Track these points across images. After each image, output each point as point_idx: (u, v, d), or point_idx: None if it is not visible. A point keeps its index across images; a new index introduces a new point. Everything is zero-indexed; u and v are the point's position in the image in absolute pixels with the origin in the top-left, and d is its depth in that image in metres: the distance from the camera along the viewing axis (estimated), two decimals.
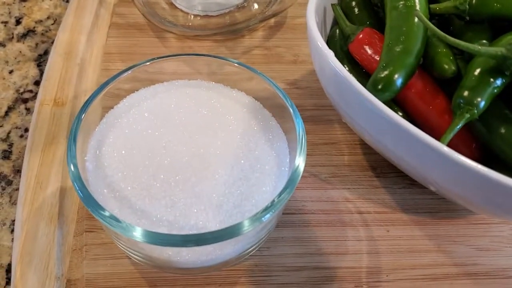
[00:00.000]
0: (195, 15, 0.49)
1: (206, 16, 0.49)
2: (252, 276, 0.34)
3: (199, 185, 0.31)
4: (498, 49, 0.28)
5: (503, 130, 0.30)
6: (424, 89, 0.33)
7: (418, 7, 0.33)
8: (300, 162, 0.31)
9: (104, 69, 0.45)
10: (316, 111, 0.44)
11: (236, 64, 0.36)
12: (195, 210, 0.30)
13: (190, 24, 0.49)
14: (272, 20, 0.50)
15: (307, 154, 0.41)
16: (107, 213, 0.28)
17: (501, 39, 0.30)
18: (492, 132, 0.30)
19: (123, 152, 0.32)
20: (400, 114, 0.34)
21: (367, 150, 0.41)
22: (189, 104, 0.35)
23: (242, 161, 0.32)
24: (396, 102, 0.34)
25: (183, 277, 0.34)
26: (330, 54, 0.32)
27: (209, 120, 0.34)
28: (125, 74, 0.35)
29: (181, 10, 0.50)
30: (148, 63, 0.36)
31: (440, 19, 0.36)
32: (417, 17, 0.31)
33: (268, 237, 0.35)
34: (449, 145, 0.33)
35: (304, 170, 0.39)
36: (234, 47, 0.48)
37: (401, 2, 0.33)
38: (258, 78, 0.36)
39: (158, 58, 0.36)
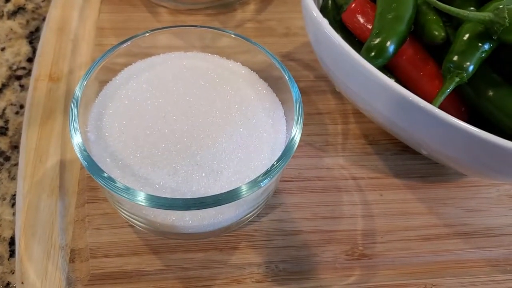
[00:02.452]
0: None
1: None
2: (251, 241, 0.35)
3: (199, 153, 0.32)
4: (486, 14, 0.29)
5: (490, 93, 0.31)
6: (415, 55, 0.34)
7: None
8: (296, 131, 0.32)
9: (98, 44, 0.45)
10: (309, 83, 0.45)
11: (232, 35, 0.37)
12: (197, 177, 0.31)
13: None
14: None
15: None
16: (114, 180, 0.29)
17: (489, 5, 0.31)
18: (480, 95, 0.32)
19: (124, 122, 0.33)
20: (393, 80, 0.35)
21: (360, 119, 0.42)
22: (187, 75, 0.36)
23: (241, 129, 0.33)
24: (388, 69, 0.35)
25: (185, 242, 0.35)
26: (324, 22, 0.33)
27: (207, 90, 0.35)
28: (124, 45, 0.35)
29: None
30: (146, 34, 0.36)
31: None
32: None
33: (267, 203, 0.37)
34: (440, 108, 0.34)
35: (300, 139, 0.41)
36: (226, 21, 0.49)
37: None
38: (255, 49, 0.36)
39: (153, 30, 0.37)
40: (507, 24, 0.29)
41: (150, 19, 0.48)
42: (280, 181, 0.38)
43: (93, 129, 0.33)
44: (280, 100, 0.36)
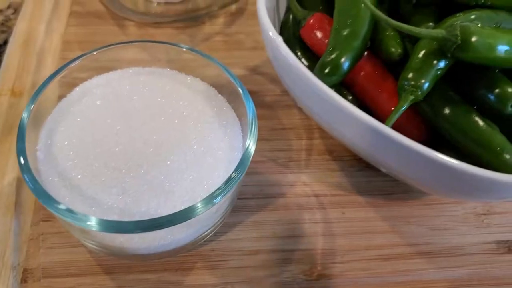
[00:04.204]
0: (156, 2, 0.49)
1: (167, 3, 0.49)
2: (208, 260, 0.35)
3: (151, 172, 0.31)
4: (439, 31, 0.29)
5: (447, 111, 0.31)
6: (373, 72, 0.34)
7: None
8: (250, 144, 0.32)
9: (63, 58, 0.45)
10: (276, 97, 0.44)
11: (191, 52, 0.36)
12: (147, 197, 0.30)
13: (151, 11, 0.49)
14: (233, 7, 0.50)
15: (266, 140, 0.42)
16: (56, 203, 0.28)
17: (445, 21, 0.31)
18: (437, 113, 0.31)
19: (74, 140, 0.32)
20: (350, 97, 0.34)
21: (325, 134, 0.42)
22: (143, 92, 0.35)
23: (195, 147, 0.33)
24: (346, 86, 0.35)
25: (140, 263, 0.34)
26: (278, 39, 0.32)
27: (163, 107, 0.34)
28: (77, 62, 0.35)
29: None
30: (101, 50, 0.36)
31: (390, 2, 0.36)
32: (362, 2, 0.31)
33: (224, 222, 0.36)
34: (399, 126, 0.33)
35: (263, 155, 0.40)
36: (194, 34, 0.48)
37: None
38: (213, 65, 0.36)
39: (107, 46, 0.36)
40: (459, 42, 0.28)
41: (117, 32, 0.47)
42: (240, 198, 0.37)
43: (43, 148, 0.32)
44: (239, 115, 0.35)
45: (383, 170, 0.34)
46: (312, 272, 0.35)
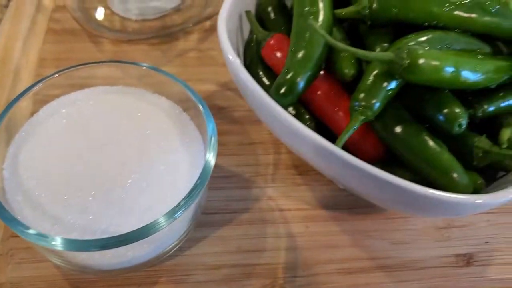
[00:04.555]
0: (132, 19, 0.50)
1: (142, 20, 0.50)
2: (172, 275, 0.35)
3: (112, 191, 0.32)
4: (386, 54, 0.30)
5: (398, 130, 0.31)
6: (329, 91, 0.34)
7: (322, 13, 0.34)
8: (210, 158, 0.33)
9: (38, 75, 0.46)
10: (245, 112, 0.45)
11: (154, 71, 0.37)
12: (108, 215, 0.31)
13: (126, 28, 0.50)
14: (207, 23, 0.51)
15: (235, 155, 0.43)
16: (17, 224, 0.29)
17: (395, 43, 0.32)
18: (389, 132, 0.32)
19: (39, 159, 0.33)
20: (307, 116, 0.35)
21: None
22: (108, 111, 0.36)
23: (157, 165, 0.34)
24: (304, 104, 0.36)
25: (104, 278, 0.35)
26: (237, 62, 0.33)
27: (127, 126, 0.35)
28: (49, 79, 0.36)
29: (118, 15, 0.50)
30: (73, 69, 0.37)
31: (350, 23, 0.37)
32: (310, 25, 0.32)
33: (189, 237, 0.37)
34: (356, 145, 0.34)
35: (230, 170, 0.41)
36: (168, 50, 0.49)
37: (306, 9, 0.34)
38: (177, 83, 0.37)
39: (79, 66, 0.37)
40: (406, 65, 0.29)
41: (92, 49, 0.48)
42: (205, 213, 0.38)
43: (9, 166, 0.33)
44: (202, 132, 0.36)
45: (340, 186, 0.35)
46: (273, 286, 0.35)
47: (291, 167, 0.42)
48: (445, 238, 0.39)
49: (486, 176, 0.34)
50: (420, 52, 0.29)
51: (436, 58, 0.29)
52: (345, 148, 0.34)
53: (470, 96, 0.33)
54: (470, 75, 0.30)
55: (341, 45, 0.30)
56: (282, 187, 0.40)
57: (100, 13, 0.51)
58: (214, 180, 0.40)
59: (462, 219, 0.40)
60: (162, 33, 0.49)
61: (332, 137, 0.32)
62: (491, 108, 0.33)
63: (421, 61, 0.29)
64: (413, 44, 0.31)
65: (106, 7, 0.51)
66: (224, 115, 0.45)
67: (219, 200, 0.39)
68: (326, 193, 0.40)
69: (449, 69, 0.29)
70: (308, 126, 0.35)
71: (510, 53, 0.35)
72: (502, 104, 0.33)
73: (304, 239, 0.38)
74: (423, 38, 0.32)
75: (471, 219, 0.40)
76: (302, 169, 0.41)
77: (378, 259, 0.37)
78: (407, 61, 0.29)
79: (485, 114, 0.33)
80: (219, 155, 0.42)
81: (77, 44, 0.49)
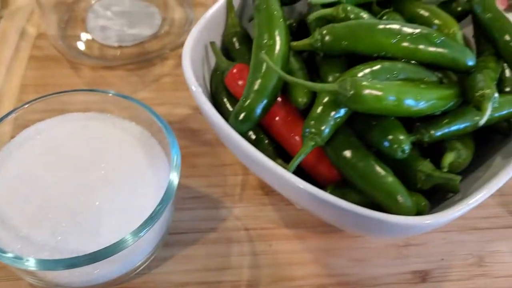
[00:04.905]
0: (110, 46, 0.53)
1: (121, 46, 0.53)
2: None
3: (81, 213, 0.34)
4: (332, 86, 0.32)
5: (347, 155, 0.33)
6: (286, 117, 0.37)
7: (278, 45, 0.36)
8: (173, 178, 0.35)
9: (20, 101, 0.48)
10: (216, 135, 0.47)
11: (122, 98, 0.39)
12: (76, 236, 0.33)
13: (105, 55, 0.52)
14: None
15: (205, 176, 0.45)
16: None
17: (342, 74, 0.34)
18: (339, 156, 0.34)
19: (13, 183, 0.36)
20: (266, 141, 0.37)
21: None
22: (80, 136, 0.39)
23: (124, 188, 0.36)
24: (265, 129, 0.38)
25: None
26: (198, 91, 0.36)
27: (97, 151, 0.38)
28: (29, 105, 0.39)
29: (97, 42, 0.53)
30: (51, 97, 0.39)
31: (309, 53, 0.40)
32: (262, 59, 0.34)
33: (157, 256, 0.39)
34: (312, 168, 0.36)
35: (199, 191, 0.43)
36: (145, 75, 0.51)
37: (264, 41, 0.36)
38: (144, 110, 0.39)
39: (56, 94, 0.40)
40: (349, 95, 0.31)
41: (72, 75, 0.51)
42: (173, 233, 0.40)
43: None
44: (167, 155, 0.38)
45: (298, 207, 0.37)
46: None
47: (258, 187, 0.44)
48: (403, 255, 0.41)
49: (438, 197, 0.37)
50: (363, 83, 0.31)
51: (377, 89, 0.31)
52: (303, 170, 0.37)
53: (417, 122, 0.35)
54: (412, 104, 0.32)
55: (289, 77, 0.32)
56: (249, 207, 0.42)
57: (80, 41, 0.53)
58: (183, 201, 0.43)
59: (420, 237, 0.42)
60: (140, 59, 0.52)
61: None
62: (438, 133, 0.35)
63: (363, 91, 0.31)
64: (357, 76, 0.33)
65: (87, 35, 0.53)
66: (196, 137, 0.47)
67: (187, 221, 0.41)
68: (290, 212, 0.42)
69: (391, 99, 0.31)
70: (267, 150, 0.37)
71: (458, 81, 0.37)
72: (448, 130, 0.35)
73: (267, 257, 0.40)
74: (371, 69, 0.34)
75: (428, 237, 0.42)
76: (268, 189, 0.43)
77: (337, 276, 0.39)
78: (351, 92, 0.31)
79: (432, 139, 0.35)
80: (189, 176, 0.44)
81: (57, 71, 0.51)
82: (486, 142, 0.40)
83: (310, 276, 0.39)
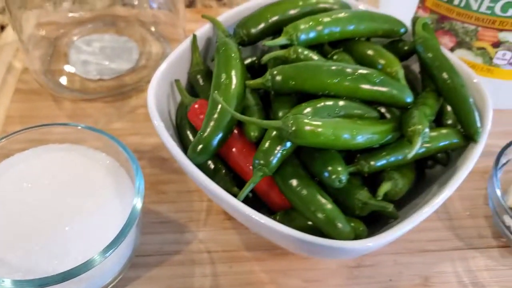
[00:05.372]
0: (91, 80, 0.57)
1: (100, 80, 0.57)
2: None
3: (52, 237, 0.37)
4: (276, 122, 0.35)
5: (293, 184, 0.37)
6: (242, 148, 0.40)
7: (234, 84, 0.40)
8: (136, 203, 0.38)
9: (4, 131, 0.52)
10: None
11: (92, 131, 0.43)
12: (47, 258, 0.37)
13: (85, 88, 0.56)
14: None
15: (172, 202, 0.48)
16: None
17: (289, 111, 0.38)
18: (285, 185, 0.37)
19: None
20: (224, 170, 0.41)
21: None
22: (54, 167, 0.42)
23: (93, 214, 0.39)
24: (223, 159, 0.41)
25: None
26: (160, 126, 0.39)
27: (70, 180, 0.41)
28: (12, 136, 0.42)
29: (78, 75, 0.57)
30: (32, 130, 0.43)
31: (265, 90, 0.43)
32: (215, 99, 0.38)
33: (123, 276, 0.42)
34: (265, 195, 0.40)
35: (167, 217, 0.47)
36: (121, 107, 0.55)
37: (222, 80, 0.40)
38: (113, 142, 0.42)
39: (28, 128, 0.43)
40: (292, 131, 0.35)
41: (53, 108, 0.55)
42: (140, 256, 0.43)
43: None
44: (133, 183, 0.42)
45: (252, 231, 0.40)
46: None
47: (221, 212, 0.47)
48: (354, 276, 0.44)
49: (382, 222, 0.40)
50: (303, 120, 0.35)
51: (316, 125, 0.35)
52: (258, 197, 0.40)
53: (359, 153, 0.39)
54: (349, 138, 0.36)
55: (239, 115, 0.36)
56: (212, 231, 0.46)
57: (62, 75, 0.57)
58: (152, 226, 0.46)
59: (371, 259, 0.45)
60: (117, 91, 0.55)
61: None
62: (377, 164, 0.38)
63: (303, 128, 0.34)
64: (301, 113, 0.36)
65: (69, 69, 0.57)
66: (166, 165, 0.50)
67: (154, 244, 0.45)
68: (250, 236, 0.45)
69: (329, 134, 0.35)
70: (224, 179, 0.40)
71: (399, 116, 0.40)
72: (386, 161, 0.38)
73: (227, 277, 0.43)
74: (314, 107, 0.37)
75: (379, 259, 0.45)
76: (230, 215, 0.47)
77: None
78: (293, 128, 0.35)
79: (372, 169, 0.38)
80: (158, 202, 0.48)
81: (40, 103, 0.55)
82: (428, 171, 0.43)
83: None
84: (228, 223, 0.46)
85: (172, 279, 0.42)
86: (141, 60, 0.59)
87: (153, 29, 0.61)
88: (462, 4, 0.48)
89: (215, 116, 0.39)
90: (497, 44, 0.50)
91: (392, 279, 0.44)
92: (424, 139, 0.36)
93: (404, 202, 0.41)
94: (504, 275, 0.44)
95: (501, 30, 0.48)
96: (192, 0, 0.73)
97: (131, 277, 0.42)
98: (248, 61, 0.48)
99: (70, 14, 0.59)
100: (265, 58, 0.42)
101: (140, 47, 0.60)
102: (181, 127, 0.44)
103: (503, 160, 0.47)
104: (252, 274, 0.43)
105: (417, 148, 0.35)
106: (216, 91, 0.40)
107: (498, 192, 0.44)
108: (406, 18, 0.47)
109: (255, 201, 0.41)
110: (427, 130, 0.36)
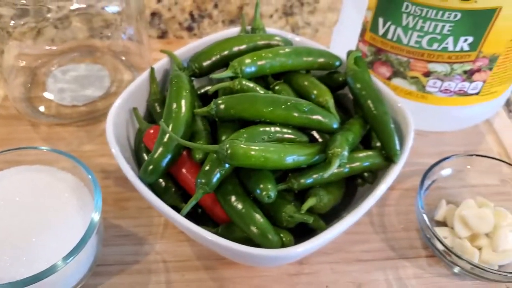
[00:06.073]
0: (65, 106, 0.62)
1: (74, 106, 0.62)
2: None
3: (20, 248, 0.42)
4: (214, 147, 0.41)
5: (230, 200, 0.42)
6: (190, 169, 0.45)
7: (183, 111, 0.45)
8: (94, 216, 0.43)
9: None
10: None
11: (59, 154, 0.48)
12: (16, 266, 0.42)
13: (60, 113, 0.62)
14: None
15: (134, 217, 0.53)
16: None
17: (229, 137, 0.43)
18: (224, 201, 0.42)
19: None
20: (173, 189, 0.46)
21: None
22: (25, 185, 0.47)
23: (58, 227, 0.44)
24: (173, 178, 0.47)
25: None
26: (116, 150, 0.45)
27: (38, 197, 0.46)
28: None
29: (54, 102, 0.63)
30: (10, 152, 0.48)
31: None
32: (161, 127, 0.43)
33: (85, 283, 0.47)
34: (210, 210, 0.45)
35: (128, 231, 0.52)
36: (92, 131, 0.61)
37: (172, 108, 0.46)
38: (77, 164, 0.48)
39: (5, 150, 0.49)
40: (226, 154, 0.40)
41: (31, 131, 0.60)
42: (102, 265, 0.48)
43: None
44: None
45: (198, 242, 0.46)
46: None
47: (177, 227, 0.52)
48: (294, 283, 0.49)
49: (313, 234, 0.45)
50: (238, 145, 0.40)
51: (248, 149, 0.40)
52: (205, 212, 0.46)
53: (290, 173, 0.44)
54: (277, 160, 0.41)
55: (182, 141, 0.41)
56: (168, 243, 0.51)
57: (40, 102, 0.63)
58: (114, 239, 0.51)
59: (311, 267, 0.50)
60: (89, 116, 0.61)
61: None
62: (307, 182, 0.44)
63: (237, 151, 0.40)
64: (237, 138, 0.42)
65: (46, 97, 0.63)
66: (129, 184, 0.54)
67: (115, 254, 0.50)
68: (201, 247, 0.50)
69: (259, 156, 0.40)
70: (173, 196, 0.46)
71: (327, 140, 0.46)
72: (313, 179, 0.44)
73: (179, 284, 0.48)
74: (250, 132, 0.43)
75: (318, 268, 0.50)
76: None
77: None
78: (228, 151, 0.40)
79: (301, 186, 0.43)
80: (121, 217, 0.53)
81: (19, 127, 0.61)
82: (356, 188, 0.49)
83: None
84: (183, 236, 0.51)
85: (130, 286, 0.47)
86: (112, 87, 0.65)
87: (123, 58, 0.67)
88: (395, 38, 0.54)
89: (164, 140, 0.44)
90: (427, 74, 0.56)
91: (328, 286, 0.49)
92: (342, 161, 0.42)
93: (336, 215, 0.46)
94: (429, 282, 0.49)
95: (430, 62, 0.54)
96: (165, 31, 0.79)
97: (93, 284, 0.47)
98: (203, 90, 0.54)
99: (48, 47, 0.65)
100: (212, 89, 0.48)
101: (112, 75, 0.66)
102: (139, 150, 0.49)
103: (428, 180, 0.52)
104: (202, 282, 0.48)
105: (333, 168, 0.41)
106: (165, 119, 0.45)
107: (421, 209, 0.49)
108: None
109: (203, 216, 0.46)
110: (345, 153, 0.42)
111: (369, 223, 0.54)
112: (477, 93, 0.58)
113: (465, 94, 0.57)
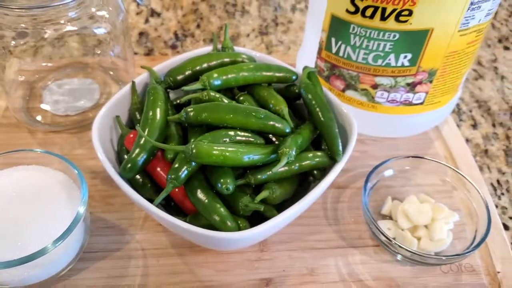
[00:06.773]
0: (59, 115, 0.70)
1: (67, 115, 0.70)
2: None
3: (16, 236, 0.50)
4: (181, 147, 0.49)
5: (195, 193, 0.50)
6: (164, 167, 0.53)
7: (157, 118, 0.53)
8: (80, 209, 0.51)
9: None
10: None
11: (56, 157, 0.56)
12: (12, 250, 0.49)
13: (54, 122, 0.69)
14: None
15: (117, 211, 0.60)
16: None
17: (196, 138, 0.51)
18: (191, 194, 0.50)
19: None
20: (149, 185, 0.54)
21: None
22: (22, 182, 0.55)
23: (49, 219, 0.52)
24: (149, 176, 0.54)
25: None
26: (101, 154, 0.52)
27: (32, 193, 0.54)
28: None
29: (50, 112, 0.71)
30: (9, 154, 0.56)
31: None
32: (138, 131, 0.51)
33: (73, 267, 0.54)
34: (181, 202, 0.53)
35: (112, 223, 0.59)
36: (83, 137, 0.69)
37: (148, 115, 0.54)
38: (68, 164, 0.55)
39: (6, 152, 0.56)
40: (191, 153, 0.48)
41: (28, 137, 0.68)
42: (88, 252, 0.56)
43: None
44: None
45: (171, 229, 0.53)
46: None
47: (155, 219, 0.60)
48: (255, 267, 0.56)
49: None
50: (202, 145, 0.48)
51: (210, 149, 0.48)
52: (177, 205, 0.53)
53: (249, 170, 0.52)
54: (235, 158, 0.49)
55: (155, 142, 0.49)
56: (147, 233, 0.58)
57: (37, 112, 0.71)
58: (100, 230, 0.58)
59: (269, 254, 0.57)
60: (80, 125, 0.69)
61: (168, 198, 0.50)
62: (262, 177, 0.51)
63: (201, 151, 0.48)
64: (201, 140, 0.49)
65: (43, 107, 0.71)
66: (114, 183, 0.63)
67: (100, 243, 0.57)
68: (176, 237, 0.58)
69: (219, 155, 0.48)
70: (149, 191, 0.53)
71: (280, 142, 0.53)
72: (267, 176, 0.51)
73: (155, 268, 0.55)
74: (214, 135, 0.50)
75: (276, 254, 0.57)
76: None
77: (204, 282, 0.54)
78: (193, 151, 0.48)
79: (257, 181, 0.51)
80: (106, 212, 0.60)
81: (18, 134, 0.69)
82: (309, 185, 0.57)
83: (185, 282, 0.54)
84: (160, 228, 0.59)
85: (112, 269, 0.55)
86: (101, 99, 0.73)
87: (111, 73, 0.76)
88: (345, 56, 0.62)
89: (141, 143, 0.52)
90: (375, 86, 0.64)
91: (285, 270, 0.56)
92: (290, 159, 0.49)
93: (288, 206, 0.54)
94: (374, 268, 0.57)
95: (376, 76, 0.62)
96: (151, 49, 0.88)
97: (80, 268, 0.55)
98: (179, 100, 0.62)
99: (45, 64, 0.73)
100: (183, 99, 0.56)
101: (101, 88, 0.74)
102: (121, 152, 0.57)
103: (373, 180, 0.60)
104: (174, 266, 0.56)
105: (282, 164, 0.49)
106: (142, 125, 0.53)
107: (365, 205, 0.57)
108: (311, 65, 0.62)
109: (175, 208, 0.54)
110: (293, 152, 0.50)
111: (324, 217, 0.61)
112: (421, 103, 0.66)
113: (410, 104, 0.65)
